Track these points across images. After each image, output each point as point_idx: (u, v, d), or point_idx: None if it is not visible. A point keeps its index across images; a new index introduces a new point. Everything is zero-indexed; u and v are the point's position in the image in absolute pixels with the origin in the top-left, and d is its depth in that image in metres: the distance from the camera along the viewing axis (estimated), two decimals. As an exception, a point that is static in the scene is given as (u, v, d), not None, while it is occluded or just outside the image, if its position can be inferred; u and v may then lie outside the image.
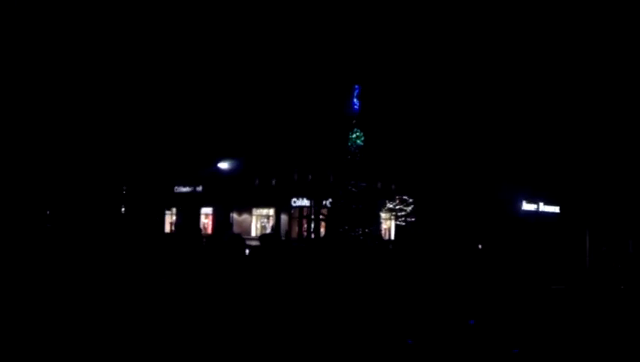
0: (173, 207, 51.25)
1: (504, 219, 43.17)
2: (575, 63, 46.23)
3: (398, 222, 45.28)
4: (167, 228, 52.10)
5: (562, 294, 16.91)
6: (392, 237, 45.12)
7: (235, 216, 48.80)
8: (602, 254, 30.77)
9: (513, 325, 11.23)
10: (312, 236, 39.00)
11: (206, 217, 51.22)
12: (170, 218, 52.58)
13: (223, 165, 45.58)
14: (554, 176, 44.90)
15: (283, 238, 39.19)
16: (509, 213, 44.46)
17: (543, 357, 8.67)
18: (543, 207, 47.41)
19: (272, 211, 47.55)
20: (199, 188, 49.48)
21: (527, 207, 46.62)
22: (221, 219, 48.53)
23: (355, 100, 31.27)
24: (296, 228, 45.44)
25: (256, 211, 48.70)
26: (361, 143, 31.88)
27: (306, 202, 43.36)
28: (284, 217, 46.34)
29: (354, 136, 34.18)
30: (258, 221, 48.94)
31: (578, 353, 9.01)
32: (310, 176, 41.61)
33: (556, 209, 47.78)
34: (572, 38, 46.76)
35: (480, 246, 36.95)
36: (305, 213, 43.82)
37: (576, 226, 35.71)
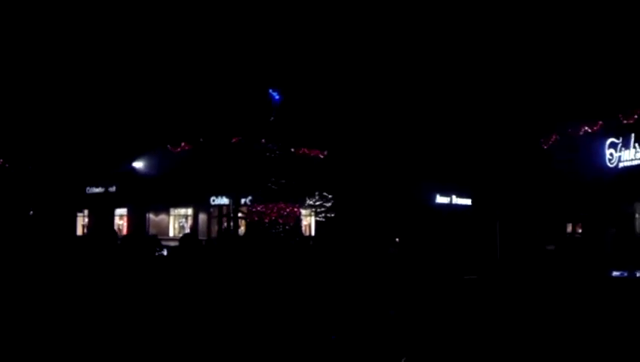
0: (85, 208, 49.22)
1: (419, 211, 44.38)
2: (486, 66, 48.31)
3: (318, 218, 45.61)
4: (80, 231, 50.02)
5: (475, 283, 17.55)
6: (313, 233, 45.38)
7: (151, 216, 47.46)
8: (511, 244, 32.22)
9: (431, 314, 11.55)
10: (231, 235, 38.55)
11: (121, 218, 49.50)
12: (82, 220, 50.46)
13: (138, 164, 44.28)
14: (465, 170, 46.66)
15: (202, 238, 38.58)
16: (424, 205, 45.74)
17: (460, 342, 8.94)
18: (456, 200, 49.08)
19: (190, 210, 46.58)
20: (112, 189, 47.72)
21: (440, 199, 48.11)
22: (136, 220, 47.10)
23: (274, 95, 31.09)
24: (215, 228, 44.74)
25: (174, 211, 47.55)
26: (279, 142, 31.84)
27: (225, 200, 42.79)
28: (202, 216, 45.52)
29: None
30: (176, 221, 47.81)
31: (490, 338, 9.35)
32: (229, 174, 41.08)
33: (468, 201, 49.61)
34: (479, 42, 48.86)
35: (397, 239, 37.85)
36: (224, 212, 43.22)
37: (487, 218, 37.23)
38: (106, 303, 12.77)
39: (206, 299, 13.58)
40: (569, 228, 38.67)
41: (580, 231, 37.88)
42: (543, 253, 30.75)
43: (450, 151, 47.46)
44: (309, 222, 46.10)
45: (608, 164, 33.62)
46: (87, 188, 48.07)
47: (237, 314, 11.46)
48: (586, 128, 35.93)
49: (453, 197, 48.96)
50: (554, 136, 38.59)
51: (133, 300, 13.17)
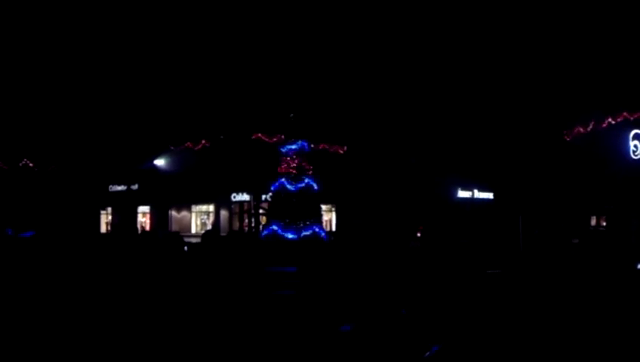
0: (109, 206, 49.80)
1: (441, 206, 44.10)
2: (507, 59, 47.77)
3: (339, 213, 45.58)
4: (104, 228, 50.66)
5: (498, 278, 17.38)
6: (334, 228, 45.37)
7: (173, 213, 47.86)
8: (534, 237, 31.87)
9: (450, 310, 11.47)
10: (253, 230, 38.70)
11: (143, 216, 50.00)
12: (105, 218, 51.07)
13: (159, 162, 44.65)
14: (487, 164, 46.22)
15: (223, 234, 38.74)
16: (446, 200, 45.44)
17: (482, 338, 8.87)
18: (478, 194, 48.67)
19: (211, 207, 46.87)
20: (135, 187, 48.21)
21: (462, 194, 47.75)
22: (159, 217, 47.53)
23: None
24: (237, 224, 44.97)
25: (196, 208, 47.89)
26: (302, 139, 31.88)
27: (246, 197, 42.97)
28: (224, 213, 45.77)
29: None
30: (198, 218, 48.16)
31: (516, 335, 9.26)
32: (249, 171, 41.24)
33: (490, 195, 49.16)
34: (500, 35, 48.28)
35: (419, 234, 37.67)
36: (245, 208, 43.40)
37: (510, 211, 36.88)
38: (123, 299, 12.90)
39: (225, 291, 13.65)
40: (593, 221, 38.19)
41: (605, 223, 37.37)
42: (567, 247, 30.36)
43: (472, 145, 47.03)
44: (329, 217, 46.11)
45: (632, 156, 33.10)
46: (110, 186, 48.62)
47: (255, 308, 11.50)
48: (610, 120, 35.40)
49: (475, 191, 48.54)
50: (577, 129, 38.09)
51: (150, 296, 13.29)
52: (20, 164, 47.76)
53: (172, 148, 46.33)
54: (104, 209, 49.94)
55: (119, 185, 48.67)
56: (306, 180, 30.82)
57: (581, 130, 37.78)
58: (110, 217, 50.65)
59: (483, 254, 25.59)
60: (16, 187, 45.58)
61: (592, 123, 36.71)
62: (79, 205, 35.33)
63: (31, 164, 47.09)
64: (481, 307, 11.93)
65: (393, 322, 10.17)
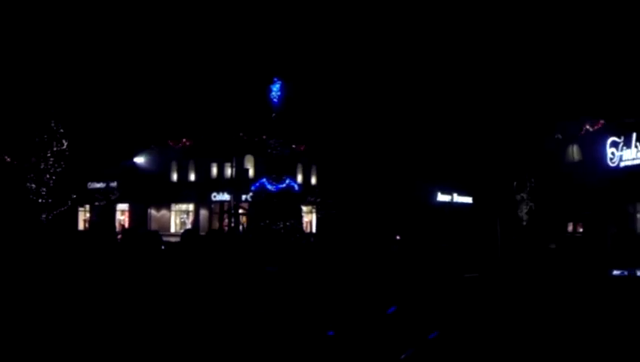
0: (87, 203, 49.32)
1: (420, 209, 44.38)
2: (485, 65, 48.25)
3: (319, 215, 45.67)
4: (82, 226, 50.15)
5: (476, 282, 17.54)
6: (314, 230, 45.44)
7: (153, 211, 47.55)
8: (512, 242, 32.20)
9: (430, 312, 11.55)
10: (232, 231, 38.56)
11: (122, 214, 49.60)
12: (83, 215, 50.56)
13: (139, 159, 44.35)
14: (466, 168, 46.64)
15: (202, 233, 38.52)
16: (425, 204, 45.74)
17: (459, 342, 8.95)
18: (457, 198, 49.09)
19: (191, 206, 46.69)
20: (114, 184, 47.81)
21: (441, 198, 48.12)
22: (138, 216, 47.18)
23: (276, 94, 31.09)
24: (216, 224, 44.84)
25: (175, 206, 47.66)
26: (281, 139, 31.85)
27: (226, 197, 42.85)
28: (203, 212, 45.62)
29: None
30: (177, 217, 47.92)
31: (492, 339, 9.36)
32: (230, 170, 41.15)
33: (469, 199, 49.61)
34: (478, 41, 48.74)
35: (398, 237, 37.84)
36: (225, 208, 43.31)
37: (488, 215, 37.21)
38: (104, 298, 12.79)
39: (203, 295, 13.59)
40: (570, 227, 38.68)
41: (581, 230, 37.88)
42: (544, 252, 30.72)
43: (451, 149, 47.44)
44: (310, 218, 46.17)
45: (610, 163, 33.57)
46: (89, 183, 48.15)
47: (235, 311, 11.48)
48: (588, 127, 35.89)
49: (455, 195, 48.96)
50: (555, 135, 38.56)
51: (130, 295, 13.19)
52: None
53: (153, 146, 46.03)
54: (82, 206, 49.47)
55: (98, 182, 48.22)
56: (287, 181, 30.84)
57: (559, 136, 38.26)
58: (88, 214, 50.16)
59: (461, 258, 25.78)
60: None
61: (570, 130, 37.20)
62: (57, 202, 34.90)
63: (8, 159, 46.40)
64: (458, 310, 12.04)
65: (374, 324, 10.22)
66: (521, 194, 41.33)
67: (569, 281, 17.75)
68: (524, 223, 40.85)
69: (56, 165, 34.11)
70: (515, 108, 43.97)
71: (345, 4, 54.39)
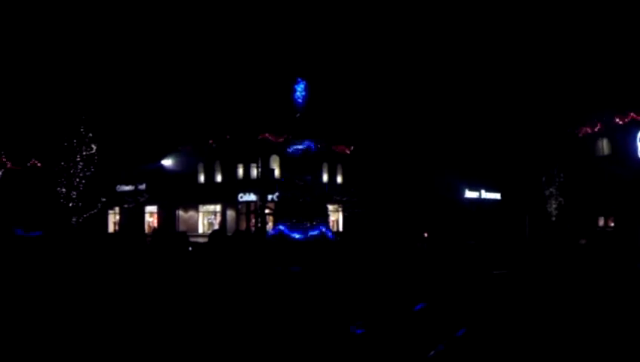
0: (116, 206, 50.06)
1: (448, 206, 44.06)
2: (515, 60, 47.68)
3: (346, 214, 45.62)
4: (112, 228, 50.94)
5: (505, 278, 17.35)
6: (341, 228, 45.41)
7: (180, 213, 48.01)
8: (541, 238, 31.78)
9: (458, 309, 11.47)
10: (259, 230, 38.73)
11: (151, 215, 50.21)
12: (113, 217, 51.34)
13: (167, 162, 44.82)
14: (495, 164, 46.16)
15: (229, 234, 38.81)
16: (453, 200, 45.39)
17: (488, 339, 8.88)
18: (485, 194, 48.61)
19: (218, 207, 47.00)
20: (142, 186, 48.44)
21: (469, 194, 47.70)
22: (166, 217, 47.70)
23: (300, 94, 31.15)
24: (243, 224, 45.09)
25: (203, 208, 48.03)
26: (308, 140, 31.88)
27: (252, 197, 43.06)
28: (230, 213, 45.88)
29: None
30: (205, 217, 48.29)
31: (521, 335, 9.26)
32: (256, 171, 41.36)
33: (497, 195, 49.08)
34: (508, 35, 48.14)
35: (425, 234, 37.62)
36: (252, 208, 43.51)
37: (517, 212, 36.78)
38: (133, 297, 12.98)
39: (227, 294, 13.70)
40: (601, 222, 38.02)
41: (613, 224, 37.21)
42: (573, 247, 30.24)
43: (478, 144, 46.99)
44: (336, 217, 46.16)
45: (640, 156, 32.94)
46: (118, 186, 48.87)
47: (258, 310, 11.55)
48: (617, 120, 35.23)
49: (483, 191, 48.50)
50: (585, 129, 37.95)
51: (158, 294, 13.37)
52: (29, 164, 48.11)
53: (180, 148, 46.50)
54: (111, 209, 50.21)
55: (127, 184, 48.91)
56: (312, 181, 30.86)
57: (588, 130, 37.65)
58: (118, 217, 50.91)
59: (490, 254, 25.53)
60: (25, 187, 45.89)
61: (600, 123, 36.57)
62: (87, 205, 35.55)
63: (39, 164, 47.39)
64: (486, 307, 11.93)
65: (402, 322, 10.20)
66: (550, 189, 40.78)
67: (600, 277, 17.45)
68: (554, 218, 40.29)
69: (85, 169, 34.75)
70: (543, 102, 43.37)
71: (367, 4, 54.24)
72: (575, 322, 10.26)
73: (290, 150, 30.83)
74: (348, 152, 46.53)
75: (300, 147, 30.73)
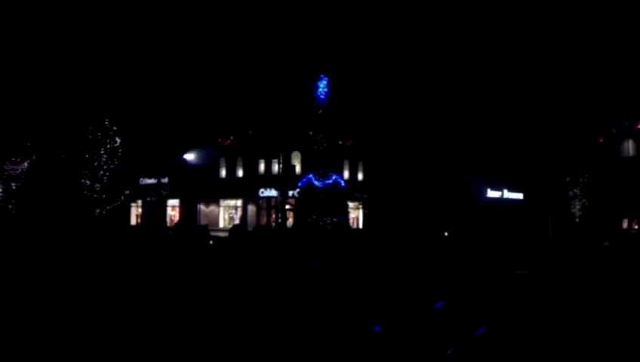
0: (139, 199, 50.57)
1: (469, 205, 43.77)
2: (539, 61, 47.12)
3: (366, 211, 45.55)
4: (134, 221, 51.48)
5: (526, 279, 17.20)
6: (361, 226, 45.36)
7: (202, 207, 48.39)
8: (564, 239, 31.40)
9: (477, 308, 11.41)
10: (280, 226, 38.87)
11: (173, 209, 50.68)
12: (135, 210, 51.89)
13: (189, 156, 45.16)
14: (517, 164, 45.72)
15: (250, 229, 39.00)
16: (474, 199, 45.08)
17: (507, 339, 8.82)
18: (507, 194, 48.18)
19: (239, 202, 47.26)
20: (165, 180, 48.88)
21: (491, 194, 47.32)
22: (188, 211, 48.10)
23: (322, 90, 31.17)
24: (264, 219, 45.28)
25: (224, 202, 48.35)
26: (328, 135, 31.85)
27: (273, 192, 43.22)
28: (251, 208, 46.12)
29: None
30: (226, 212, 48.61)
31: (542, 336, 9.18)
32: (277, 167, 41.49)
33: (520, 195, 48.61)
34: (529, 36, 47.61)
35: (446, 233, 37.43)
36: (272, 204, 43.67)
37: (539, 212, 36.37)
38: (155, 289, 13.12)
39: (245, 289, 13.78)
40: (625, 224, 37.49)
41: (637, 226, 36.67)
42: (597, 249, 29.86)
43: (501, 144, 46.55)
44: (356, 214, 46.11)
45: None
46: (141, 179, 49.34)
47: (282, 304, 11.60)
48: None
49: (505, 191, 48.08)
50: (609, 130, 37.41)
51: (179, 286, 13.49)
52: (53, 156, 48.72)
53: (202, 143, 46.82)
54: (134, 201, 50.75)
55: (149, 178, 49.38)
56: (334, 177, 30.87)
57: (613, 131, 37.11)
58: (140, 210, 51.45)
59: (511, 255, 25.31)
60: (50, 178, 46.52)
61: (625, 125, 36.03)
62: (110, 197, 35.98)
63: (63, 156, 48.00)
64: (507, 307, 11.85)
65: (421, 320, 10.18)
66: (574, 190, 40.29)
67: (622, 279, 17.21)
68: (577, 220, 39.80)
69: (109, 162, 35.14)
70: (569, 102, 42.82)
71: (391, 1, 54.01)
72: (596, 324, 10.15)
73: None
74: (370, 150, 46.41)
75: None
